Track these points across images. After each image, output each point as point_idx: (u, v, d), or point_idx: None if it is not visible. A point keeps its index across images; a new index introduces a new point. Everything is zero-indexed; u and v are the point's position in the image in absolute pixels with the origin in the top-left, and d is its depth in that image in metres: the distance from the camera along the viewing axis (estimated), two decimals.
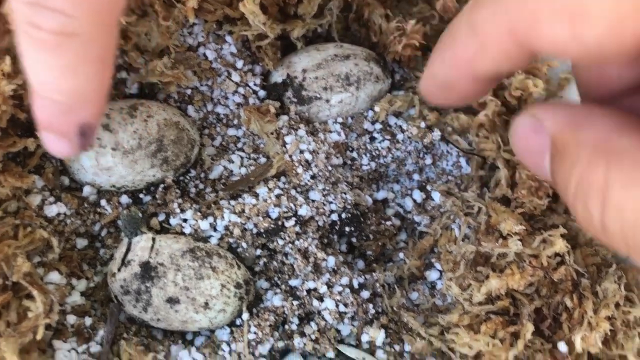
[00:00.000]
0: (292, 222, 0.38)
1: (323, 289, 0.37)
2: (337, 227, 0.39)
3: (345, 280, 0.38)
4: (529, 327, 0.35)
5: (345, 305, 0.37)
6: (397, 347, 0.38)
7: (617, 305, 0.35)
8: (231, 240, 0.38)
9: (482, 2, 0.20)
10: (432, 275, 0.40)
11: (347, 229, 0.39)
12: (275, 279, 0.38)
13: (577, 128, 0.20)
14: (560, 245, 0.36)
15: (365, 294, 0.38)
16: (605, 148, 0.19)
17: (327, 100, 0.40)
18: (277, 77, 0.41)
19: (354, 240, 0.40)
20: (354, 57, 0.41)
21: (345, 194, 0.39)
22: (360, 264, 0.41)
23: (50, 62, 0.26)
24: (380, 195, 0.42)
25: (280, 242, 0.38)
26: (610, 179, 0.18)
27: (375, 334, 0.37)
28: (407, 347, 0.38)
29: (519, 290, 0.36)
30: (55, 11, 0.24)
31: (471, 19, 0.21)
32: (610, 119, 0.20)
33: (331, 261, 0.38)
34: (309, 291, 0.37)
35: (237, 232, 0.37)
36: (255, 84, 0.41)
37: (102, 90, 0.28)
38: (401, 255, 0.41)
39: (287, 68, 0.40)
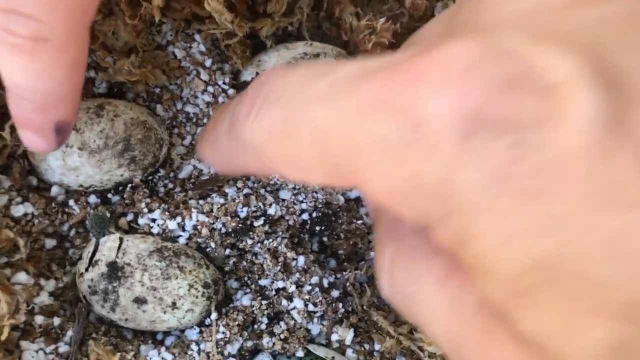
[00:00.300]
0: (261, 221, 0.38)
1: (292, 289, 0.37)
2: (307, 227, 0.39)
3: (315, 279, 0.38)
4: None
5: (315, 304, 0.37)
6: (367, 346, 0.38)
7: None
8: (200, 240, 0.38)
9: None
10: None
11: (317, 228, 0.39)
12: (245, 278, 0.38)
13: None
14: None
15: (335, 293, 0.38)
16: (393, 230, 0.23)
17: None
18: (247, 75, 0.41)
19: (325, 239, 0.40)
20: (323, 55, 0.41)
21: (316, 192, 0.39)
22: (332, 263, 0.41)
23: (25, 65, 0.27)
24: (354, 194, 0.42)
25: (250, 241, 0.38)
26: (395, 261, 0.22)
27: (345, 333, 0.37)
28: (377, 346, 0.38)
29: None
30: (29, 18, 0.25)
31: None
32: None
33: (301, 260, 0.38)
34: (278, 290, 0.37)
35: (205, 232, 0.37)
36: (224, 83, 0.41)
37: (76, 90, 0.30)
38: (372, 254, 0.41)
39: (257, 67, 0.40)
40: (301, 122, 0.21)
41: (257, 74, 0.40)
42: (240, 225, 0.37)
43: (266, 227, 0.38)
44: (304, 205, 0.39)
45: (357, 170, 0.20)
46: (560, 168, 0.17)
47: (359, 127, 0.19)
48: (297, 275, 0.38)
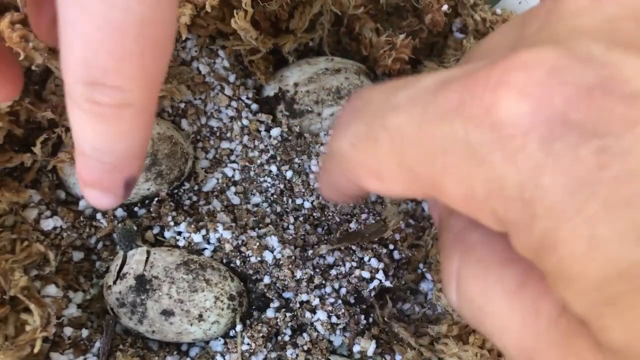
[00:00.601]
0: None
1: (315, 301, 0.38)
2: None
3: (337, 292, 0.39)
4: None
5: (337, 316, 0.38)
6: (388, 357, 0.39)
7: None
8: (223, 255, 0.38)
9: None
10: (423, 285, 0.40)
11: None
12: (269, 291, 0.39)
13: (450, 212, 0.24)
14: None
15: (357, 305, 0.39)
16: (460, 239, 0.23)
17: (319, 114, 0.41)
18: (269, 90, 0.41)
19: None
20: (344, 70, 0.41)
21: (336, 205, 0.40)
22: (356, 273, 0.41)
23: (106, 130, 0.27)
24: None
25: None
26: (463, 270, 0.22)
27: (367, 345, 0.38)
28: (398, 357, 0.38)
29: None
30: (115, 88, 0.26)
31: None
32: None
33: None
34: (301, 303, 0.38)
35: (228, 247, 0.38)
36: (248, 98, 0.41)
37: (147, 144, 0.30)
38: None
39: (279, 82, 0.41)
40: (381, 129, 0.21)
41: (280, 89, 0.41)
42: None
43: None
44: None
45: (435, 175, 0.20)
46: None
47: (437, 130, 0.20)
48: (320, 288, 0.38)
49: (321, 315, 0.38)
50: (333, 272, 0.40)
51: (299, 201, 0.41)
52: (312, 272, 0.39)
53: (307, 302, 0.38)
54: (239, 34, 0.40)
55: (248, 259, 0.38)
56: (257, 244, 0.39)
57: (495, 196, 0.19)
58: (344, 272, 0.40)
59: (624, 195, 0.17)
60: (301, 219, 0.41)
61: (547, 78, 0.18)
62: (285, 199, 0.41)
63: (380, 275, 0.39)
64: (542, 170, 0.18)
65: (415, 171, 0.21)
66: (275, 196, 0.41)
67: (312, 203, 0.40)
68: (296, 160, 0.41)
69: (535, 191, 0.18)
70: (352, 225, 0.40)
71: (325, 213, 0.41)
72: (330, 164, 0.26)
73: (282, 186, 0.41)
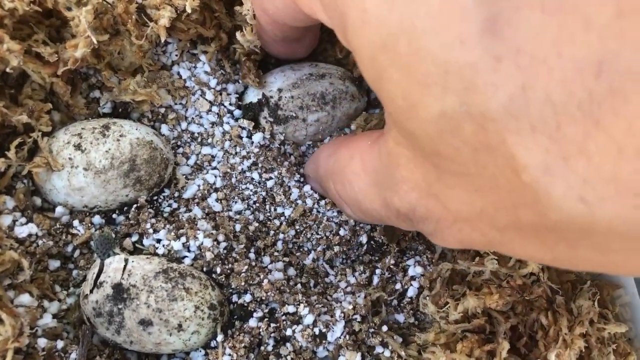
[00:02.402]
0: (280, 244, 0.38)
1: (300, 312, 0.37)
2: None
3: (323, 301, 0.38)
4: (505, 346, 0.35)
5: (322, 328, 0.37)
6: None
7: (591, 322, 0.36)
8: (203, 262, 0.37)
9: None
10: (410, 292, 0.39)
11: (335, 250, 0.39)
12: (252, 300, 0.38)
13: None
14: (533, 266, 0.36)
15: (342, 316, 0.38)
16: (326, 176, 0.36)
17: (304, 120, 0.40)
18: (253, 96, 0.41)
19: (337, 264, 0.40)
20: (329, 76, 0.41)
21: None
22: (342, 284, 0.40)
23: None
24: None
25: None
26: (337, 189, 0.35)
27: (352, 357, 0.37)
28: None
29: (495, 309, 0.36)
30: None
31: None
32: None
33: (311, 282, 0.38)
34: (286, 314, 0.37)
35: (209, 255, 0.37)
36: (230, 104, 0.41)
37: None
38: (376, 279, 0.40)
39: (263, 88, 0.40)
40: None
41: (263, 95, 0.40)
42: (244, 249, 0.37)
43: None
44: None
45: None
46: None
47: None
48: (306, 297, 0.37)
49: (305, 325, 0.37)
50: (323, 284, 0.39)
51: (280, 210, 0.40)
52: (301, 283, 0.38)
53: (293, 313, 0.37)
54: (220, 37, 0.40)
55: (230, 267, 0.37)
56: (240, 252, 0.38)
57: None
58: (334, 282, 0.40)
59: None
60: (285, 225, 0.40)
61: None
62: (267, 206, 0.40)
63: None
64: None
65: None
66: (257, 204, 0.40)
67: (293, 212, 0.40)
68: (276, 172, 0.40)
69: None
70: (341, 232, 0.39)
71: (310, 221, 0.40)
72: None
73: (264, 194, 0.40)
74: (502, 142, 0.19)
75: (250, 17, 0.37)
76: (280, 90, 0.40)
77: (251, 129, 0.40)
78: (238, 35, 0.38)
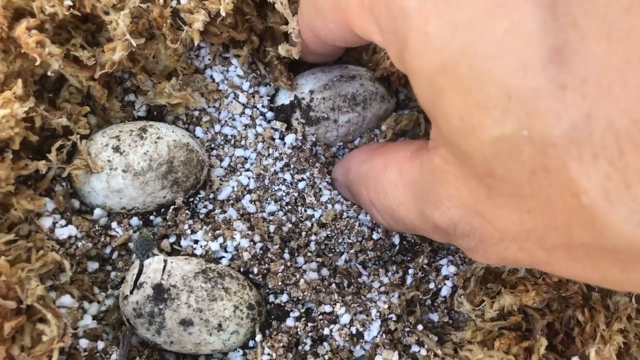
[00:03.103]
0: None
1: (337, 311, 0.37)
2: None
3: (359, 301, 0.38)
4: (543, 342, 0.35)
5: (359, 327, 0.37)
6: None
7: (629, 318, 0.36)
8: (241, 263, 0.37)
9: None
10: (444, 291, 0.40)
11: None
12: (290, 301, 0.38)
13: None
14: None
15: (378, 315, 0.38)
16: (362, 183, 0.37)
17: (335, 121, 0.40)
18: (284, 98, 0.41)
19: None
20: (359, 77, 0.41)
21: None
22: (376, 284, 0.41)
23: None
24: None
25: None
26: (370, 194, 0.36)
27: (390, 356, 0.37)
28: None
29: (530, 306, 0.37)
30: None
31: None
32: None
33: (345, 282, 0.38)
34: (323, 313, 0.37)
35: (246, 255, 0.37)
36: (263, 106, 0.41)
37: None
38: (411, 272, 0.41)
39: (294, 90, 0.41)
40: None
41: (295, 97, 0.40)
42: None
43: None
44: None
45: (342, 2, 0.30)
46: None
47: None
48: (342, 297, 0.38)
49: (342, 325, 0.37)
50: (356, 284, 0.40)
51: (310, 212, 0.40)
52: (335, 283, 0.39)
53: (330, 313, 0.37)
54: (252, 40, 0.40)
55: (266, 267, 0.38)
56: (276, 252, 0.38)
57: (372, 4, 0.26)
58: (367, 283, 0.40)
59: None
60: (316, 226, 0.40)
61: None
62: (300, 208, 0.40)
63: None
64: None
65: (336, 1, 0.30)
66: (290, 205, 0.40)
67: (323, 215, 0.40)
68: (307, 173, 0.40)
69: None
70: (375, 235, 0.40)
71: (342, 226, 0.40)
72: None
73: (296, 195, 0.40)
74: (562, 166, 0.20)
75: (296, 35, 0.38)
76: (311, 92, 0.40)
77: (283, 130, 0.41)
78: (280, 48, 0.39)
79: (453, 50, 0.22)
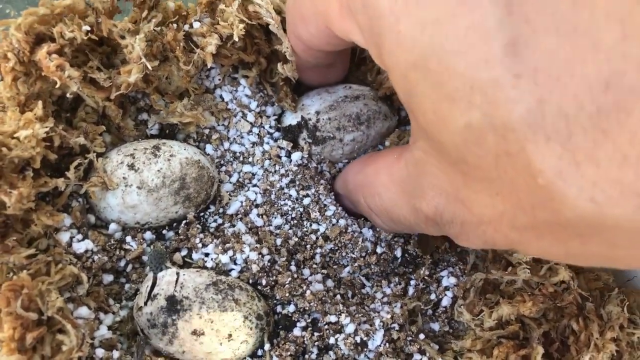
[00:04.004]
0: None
1: (342, 321, 0.39)
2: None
3: (362, 312, 0.39)
4: (540, 350, 0.37)
5: (363, 337, 0.39)
6: None
7: (621, 327, 0.37)
8: (249, 275, 0.39)
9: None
10: (444, 302, 0.41)
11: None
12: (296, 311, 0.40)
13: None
14: (564, 274, 0.38)
15: (381, 325, 0.40)
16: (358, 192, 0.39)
17: (340, 140, 0.42)
18: (292, 119, 0.43)
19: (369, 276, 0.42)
20: (363, 97, 0.43)
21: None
22: (379, 295, 0.42)
23: None
24: None
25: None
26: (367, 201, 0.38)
27: None
28: None
29: (527, 316, 0.38)
30: None
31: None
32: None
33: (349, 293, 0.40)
34: (328, 323, 0.39)
35: (255, 268, 0.39)
36: (270, 126, 0.43)
37: None
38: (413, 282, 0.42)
39: (301, 110, 0.43)
40: None
41: (302, 117, 0.42)
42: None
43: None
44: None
45: (324, 8, 0.31)
46: None
47: None
48: (346, 308, 0.39)
49: (347, 335, 0.39)
50: (360, 295, 0.41)
51: (315, 226, 0.42)
52: (339, 294, 0.40)
53: (335, 322, 0.39)
54: (260, 62, 0.42)
55: (274, 279, 0.39)
56: (283, 265, 0.40)
57: (350, 6, 0.28)
58: (370, 293, 0.41)
59: None
60: (321, 240, 0.42)
61: None
62: (305, 222, 0.42)
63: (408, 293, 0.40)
64: None
65: (315, 4, 0.32)
66: (295, 220, 0.42)
67: (328, 229, 0.42)
68: (312, 190, 0.42)
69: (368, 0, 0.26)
70: (378, 250, 0.41)
71: (346, 240, 0.42)
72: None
73: (301, 210, 0.42)
74: (520, 149, 0.22)
75: (289, 53, 0.40)
76: (317, 112, 0.42)
77: (289, 149, 0.42)
78: (279, 66, 0.41)
79: (423, 47, 0.24)
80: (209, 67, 0.40)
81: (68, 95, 0.37)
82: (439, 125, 0.25)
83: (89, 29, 0.37)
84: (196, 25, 0.39)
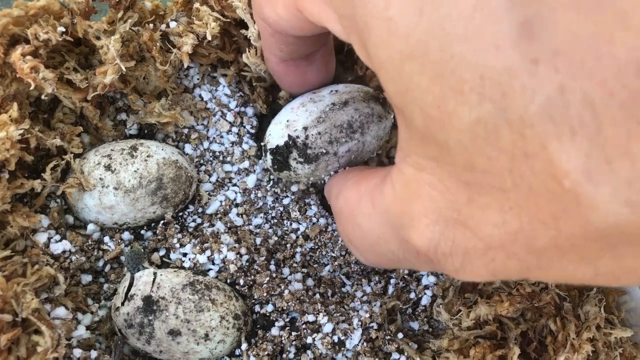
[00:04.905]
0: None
1: (320, 321, 0.39)
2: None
3: (341, 311, 0.40)
4: (516, 350, 0.37)
5: (341, 336, 0.39)
6: None
7: (598, 327, 0.37)
8: (227, 275, 0.39)
9: None
10: (424, 301, 0.41)
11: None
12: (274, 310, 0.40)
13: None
14: None
15: (359, 324, 0.40)
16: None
17: (335, 153, 0.38)
18: (278, 138, 0.38)
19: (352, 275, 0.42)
20: (352, 101, 0.39)
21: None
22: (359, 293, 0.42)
23: None
24: None
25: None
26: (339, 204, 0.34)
27: None
28: None
29: (505, 315, 0.38)
30: None
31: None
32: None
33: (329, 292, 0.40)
34: (306, 323, 0.39)
35: (233, 268, 0.39)
36: (252, 126, 0.43)
37: None
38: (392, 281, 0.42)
39: (287, 128, 0.38)
40: None
41: (289, 136, 0.38)
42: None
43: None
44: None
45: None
46: None
47: None
48: (325, 307, 0.39)
49: (325, 334, 0.39)
50: (340, 294, 0.41)
51: (295, 225, 0.42)
52: (319, 293, 0.40)
53: (313, 322, 0.39)
54: (238, 61, 0.42)
55: (252, 278, 0.39)
56: (262, 264, 0.40)
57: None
58: (350, 292, 0.41)
59: None
60: (301, 239, 0.42)
61: None
62: (285, 221, 0.42)
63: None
64: None
65: None
66: (275, 219, 0.42)
67: (309, 228, 0.42)
68: (293, 189, 0.42)
69: None
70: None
71: (326, 239, 0.42)
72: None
73: (281, 209, 0.42)
74: (541, 148, 0.19)
75: (254, 38, 0.38)
76: (305, 128, 0.38)
77: (274, 175, 0.42)
78: (244, 56, 0.39)
79: (421, 33, 0.20)
80: (185, 66, 0.40)
81: (43, 96, 0.37)
82: (443, 123, 0.21)
83: (64, 30, 0.37)
84: (173, 24, 0.39)
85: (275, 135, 0.38)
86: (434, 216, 0.24)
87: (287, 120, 0.38)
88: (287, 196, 0.42)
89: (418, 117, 0.22)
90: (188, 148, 0.42)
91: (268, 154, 0.38)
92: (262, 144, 0.40)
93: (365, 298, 0.41)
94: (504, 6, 0.18)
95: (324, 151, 0.37)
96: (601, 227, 0.19)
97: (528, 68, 0.18)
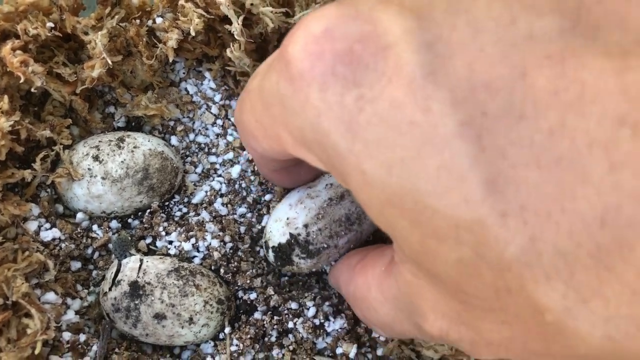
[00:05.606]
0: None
1: (302, 306, 0.40)
2: None
3: (320, 295, 0.41)
4: None
5: (322, 320, 0.40)
6: (370, 356, 0.41)
7: None
8: (212, 262, 0.41)
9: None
10: None
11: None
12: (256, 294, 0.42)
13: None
14: None
15: (338, 311, 0.41)
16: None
17: (335, 246, 0.39)
18: (279, 236, 0.39)
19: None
20: (347, 194, 0.40)
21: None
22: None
23: None
24: None
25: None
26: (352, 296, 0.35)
27: (349, 349, 0.40)
28: (380, 350, 0.41)
29: None
30: None
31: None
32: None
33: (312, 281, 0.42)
34: (289, 309, 0.40)
35: (217, 255, 0.40)
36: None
37: None
38: None
39: (287, 226, 0.39)
40: (246, 93, 0.29)
41: (290, 234, 0.39)
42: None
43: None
44: None
45: (274, 126, 0.27)
46: (393, 116, 0.21)
47: (266, 83, 0.26)
48: (307, 292, 0.41)
49: (306, 318, 0.40)
50: (323, 280, 0.43)
51: None
52: (302, 280, 0.42)
53: (296, 308, 0.40)
54: (223, 55, 0.43)
55: (236, 265, 0.41)
56: (245, 251, 0.41)
57: (304, 141, 0.25)
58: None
59: (377, 135, 0.21)
60: None
61: (322, 36, 0.22)
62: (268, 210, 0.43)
63: None
64: (320, 115, 0.22)
65: (263, 125, 0.28)
66: (260, 208, 0.43)
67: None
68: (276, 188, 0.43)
69: (320, 135, 0.23)
70: None
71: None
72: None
73: (265, 199, 0.43)
74: (521, 287, 0.20)
75: (238, 33, 0.40)
76: (306, 225, 0.38)
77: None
78: (228, 51, 0.41)
79: (394, 188, 0.22)
80: (171, 61, 0.41)
81: (33, 90, 0.38)
82: (427, 257, 0.23)
83: (53, 25, 0.38)
84: (159, 20, 0.41)
85: (277, 233, 0.39)
86: (439, 314, 0.26)
87: (287, 218, 0.39)
88: (270, 191, 0.43)
89: (407, 249, 0.24)
90: (174, 140, 0.43)
91: (270, 250, 0.39)
92: (263, 240, 0.40)
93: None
94: (468, 166, 0.20)
95: (325, 245, 0.39)
96: (587, 352, 0.20)
97: (498, 221, 0.19)
